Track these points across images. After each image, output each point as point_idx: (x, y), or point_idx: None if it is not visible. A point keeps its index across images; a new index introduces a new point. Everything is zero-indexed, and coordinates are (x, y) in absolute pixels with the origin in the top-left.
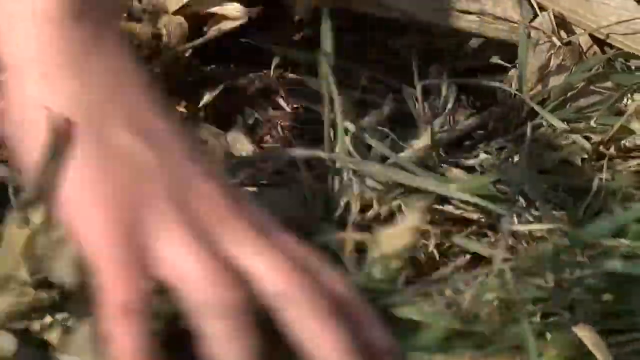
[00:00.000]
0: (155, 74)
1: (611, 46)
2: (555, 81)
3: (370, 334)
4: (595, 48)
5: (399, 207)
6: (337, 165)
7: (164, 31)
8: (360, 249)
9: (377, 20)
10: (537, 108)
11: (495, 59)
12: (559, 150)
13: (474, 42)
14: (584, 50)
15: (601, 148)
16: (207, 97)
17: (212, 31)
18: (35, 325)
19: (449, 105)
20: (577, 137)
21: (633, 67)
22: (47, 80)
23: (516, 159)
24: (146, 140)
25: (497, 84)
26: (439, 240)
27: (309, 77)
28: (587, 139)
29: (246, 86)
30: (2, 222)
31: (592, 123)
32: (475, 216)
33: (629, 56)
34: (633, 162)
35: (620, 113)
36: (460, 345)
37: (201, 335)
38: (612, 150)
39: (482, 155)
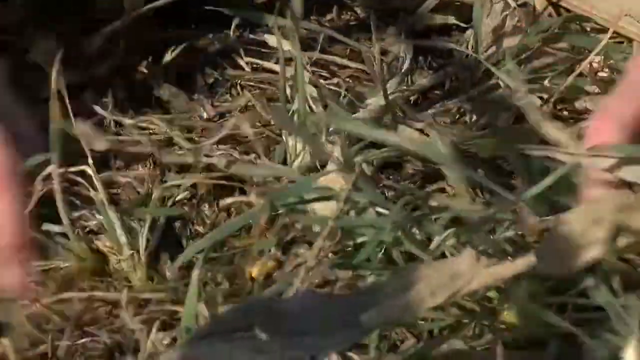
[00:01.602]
0: (117, 35)
1: (567, 9)
2: (510, 42)
3: None
4: (551, 9)
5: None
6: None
7: None
8: None
9: None
10: (492, 68)
11: (452, 20)
12: (513, 110)
13: (431, 2)
14: (540, 11)
15: (551, 108)
16: (167, 57)
17: None
18: None
19: (406, 65)
20: (532, 97)
21: (588, 29)
22: None
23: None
24: None
25: (452, 45)
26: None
27: (269, 37)
28: (542, 99)
29: (206, 46)
30: None
31: (546, 83)
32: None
33: (584, 18)
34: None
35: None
36: None
37: None
38: (565, 112)
39: (425, 114)
